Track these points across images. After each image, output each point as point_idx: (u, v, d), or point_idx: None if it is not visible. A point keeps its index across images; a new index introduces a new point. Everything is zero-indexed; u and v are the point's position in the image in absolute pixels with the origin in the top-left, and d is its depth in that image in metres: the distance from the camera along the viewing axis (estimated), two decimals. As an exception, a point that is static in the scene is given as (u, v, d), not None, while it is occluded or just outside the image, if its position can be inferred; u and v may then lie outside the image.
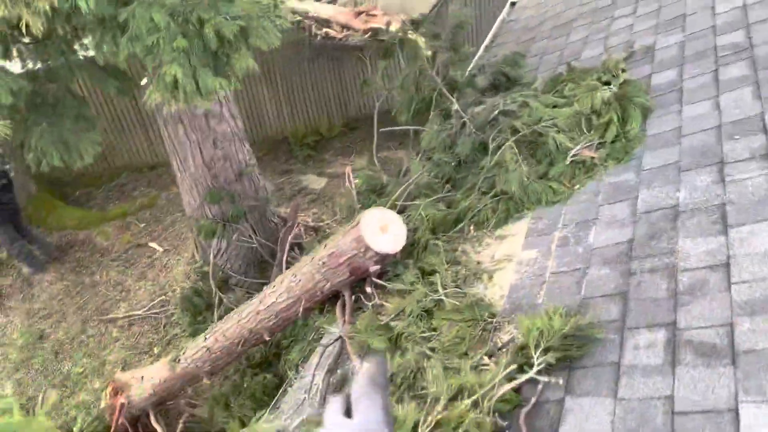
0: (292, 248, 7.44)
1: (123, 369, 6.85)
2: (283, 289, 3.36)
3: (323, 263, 3.12)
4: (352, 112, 11.05)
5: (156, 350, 7.04)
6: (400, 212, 3.48)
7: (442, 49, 4.32)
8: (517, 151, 3.30)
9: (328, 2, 11.57)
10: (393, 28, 9.94)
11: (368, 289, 3.06)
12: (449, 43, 4.34)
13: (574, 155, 3.18)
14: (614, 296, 2.39)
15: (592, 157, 3.14)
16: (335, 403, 0.97)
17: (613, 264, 2.54)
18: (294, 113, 10.68)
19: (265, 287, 3.79)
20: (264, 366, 5.77)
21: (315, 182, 9.68)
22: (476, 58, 5.91)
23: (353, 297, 3.18)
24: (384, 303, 3.04)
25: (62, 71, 5.15)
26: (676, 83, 3.47)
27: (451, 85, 4.40)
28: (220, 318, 6.44)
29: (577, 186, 3.12)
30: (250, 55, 4.27)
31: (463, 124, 3.75)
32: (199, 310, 7.12)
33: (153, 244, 8.64)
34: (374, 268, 3.02)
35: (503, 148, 3.28)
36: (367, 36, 10.32)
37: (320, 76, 10.49)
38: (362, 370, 1.03)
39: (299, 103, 10.61)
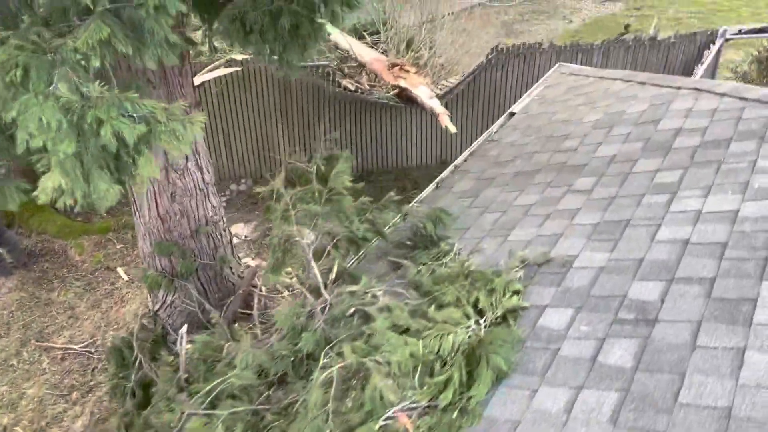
0: (244, 315, 7.05)
1: (36, 410, 6.61)
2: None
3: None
4: (367, 163, 10.55)
5: (74, 396, 6.76)
6: (204, 416, 2.94)
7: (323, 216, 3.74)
8: (333, 386, 2.70)
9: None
10: (418, 91, 9.37)
11: None
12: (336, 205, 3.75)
13: (388, 417, 2.56)
14: None
15: (407, 429, 2.51)
16: None
17: None
18: (308, 154, 10.23)
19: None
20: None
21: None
22: (452, 166, 5.27)
23: None
24: None
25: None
26: (558, 339, 2.77)
27: (351, 238, 3.83)
28: (138, 383, 6.09)
29: (379, 463, 2.51)
30: (156, 162, 3.85)
31: (317, 312, 3.18)
32: (126, 364, 6.78)
33: (120, 270, 8.41)
34: None
35: (315, 384, 2.69)
36: (392, 93, 9.77)
37: (340, 121, 10.02)
38: None
39: (314, 145, 10.16)
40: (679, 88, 4.86)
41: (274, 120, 9.90)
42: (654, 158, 4.00)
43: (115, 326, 7.56)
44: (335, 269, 3.59)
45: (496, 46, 9.81)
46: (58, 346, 7.31)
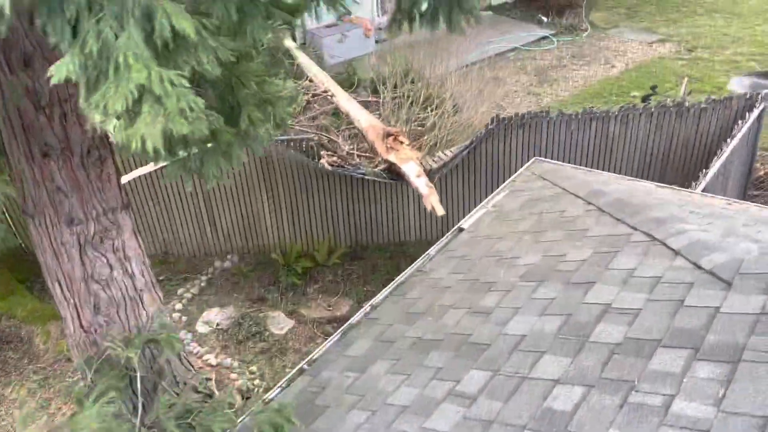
0: None
1: None
2: None
3: None
4: (361, 238, 9.74)
5: None
6: None
7: None
8: None
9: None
10: (406, 167, 8.54)
11: None
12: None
13: None
14: None
15: None
16: None
17: None
18: (295, 228, 9.57)
19: None
20: None
21: (279, 324, 8.49)
22: (368, 306, 4.41)
23: None
24: None
25: None
26: None
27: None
28: None
29: None
30: None
31: None
32: (50, 487, 6.22)
33: (79, 363, 7.92)
34: None
35: None
36: (382, 167, 8.96)
37: (329, 194, 9.28)
38: None
39: (302, 219, 9.49)
40: (634, 229, 3.84)
41: (259, 193, 9.27)
42: (563, 356, 3.01)
43: (55, 434, 7.04)
44: None
45: (497, 116, 8.84)
46: (-6, 455, 6.85)
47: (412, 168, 8.48)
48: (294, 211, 9.41)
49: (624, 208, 4.15)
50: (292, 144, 8.81)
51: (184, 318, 8.61)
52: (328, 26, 15.50)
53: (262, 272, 9.40)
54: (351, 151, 9.53)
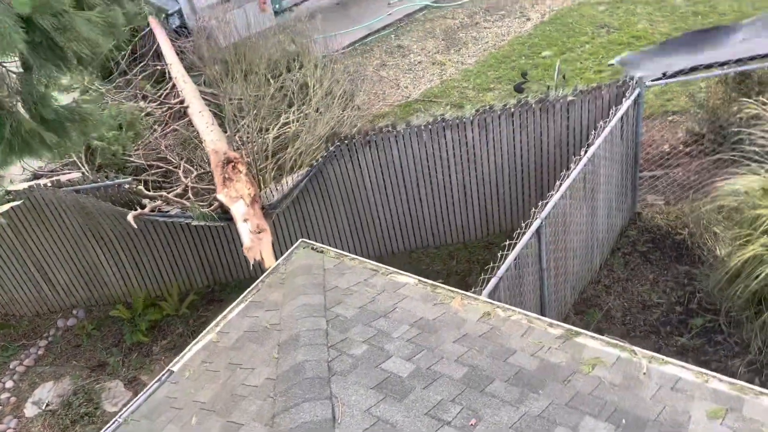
0: None
1: None
2: None
3: None
4: (219, 275, 8.74)
5: None
6: None
7: None
8: None
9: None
10: (234, 208, 7.43)
11: None
12: None
13: None
14: None
15: None
16: None
17: None
18: (141, 274, 8.55)
19: None
20: None
21: (115, 398, 7.59)
22: None
23: None
24: None
25: None
26: None
27: None
28: None
29: None
30: None
31: None
32: None
33: None
34: None
35: None
36: (212, 208, 7.83)
37: (173, 233, 8.23)
38: None
39: (147, 263, 8.46)
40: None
41: (91, 245, 8.22)
42: None
43: None
44: None
45: (340, 135, 7.64)
46: None
47: (239, 209, 7.38)
48: (136, 255, 8.37)
49: (291, 388, 3.10)
50: (107, 191, 7.68)
51: (12, 399, 7.75)
52: (219, 1, 13.93)
53: (107, 329, 8.47)
54: (190, 185, 8.37)
